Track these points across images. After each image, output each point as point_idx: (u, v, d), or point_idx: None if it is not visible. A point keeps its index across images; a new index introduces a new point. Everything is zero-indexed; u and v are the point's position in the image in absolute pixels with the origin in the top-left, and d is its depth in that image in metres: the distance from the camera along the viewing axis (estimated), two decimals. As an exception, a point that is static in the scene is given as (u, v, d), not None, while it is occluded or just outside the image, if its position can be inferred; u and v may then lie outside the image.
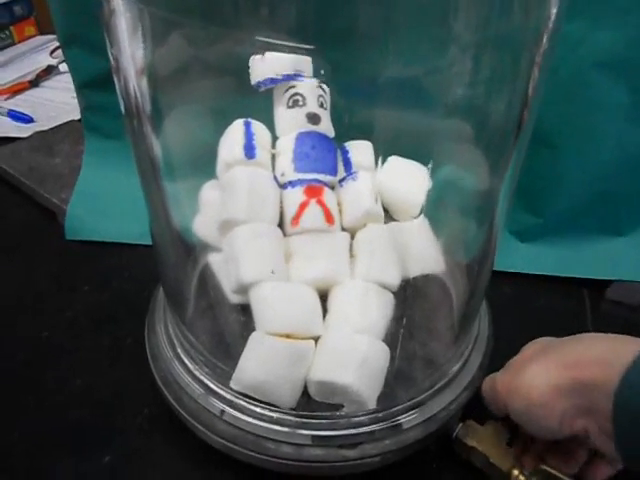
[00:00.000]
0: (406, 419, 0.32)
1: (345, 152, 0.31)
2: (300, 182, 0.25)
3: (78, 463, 0.37)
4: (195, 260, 0.37)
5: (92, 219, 0.55)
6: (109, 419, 0.39)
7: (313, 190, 0.24)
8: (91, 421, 0.39)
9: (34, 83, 0.85)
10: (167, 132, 0.30)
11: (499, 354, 0.39)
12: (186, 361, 0.35)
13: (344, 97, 0.35)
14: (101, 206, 0.55)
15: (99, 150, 0.57)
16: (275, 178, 0.25)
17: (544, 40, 0.27)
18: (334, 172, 0.26)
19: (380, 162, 0.32)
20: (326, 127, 0.28)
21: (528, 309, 0.50)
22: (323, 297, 0.29)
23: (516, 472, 0.33)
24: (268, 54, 0.28)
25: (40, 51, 0.94)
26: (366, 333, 0.27)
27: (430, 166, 0.31)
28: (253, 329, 0.31)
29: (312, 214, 0.24)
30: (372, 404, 0.28)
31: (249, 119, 0.29)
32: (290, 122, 0.28)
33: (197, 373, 0.34)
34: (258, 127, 0.28)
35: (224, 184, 0.27)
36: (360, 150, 0.31)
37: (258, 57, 0.27)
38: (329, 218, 0.25)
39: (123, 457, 0.37)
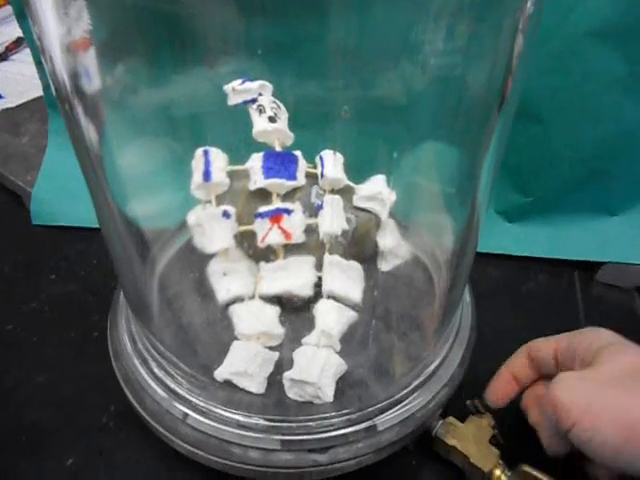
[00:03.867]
0: (381, 420, 0.31)
1: (323, 165, 0.36)
2: (267, 213, 0.33)
3: (39, 466, 0.35)
4: (153, 262, 0.35)
5: (59, 202, 0.53)
6: (73, 418, 0.37)
7: (275, 218, 0.32)
8: (54, 420, 0.37)
9: (3, 56, 0.81)
10: (108, 114, 0.27)
11: (483, 343, 0.37)
12: (149, 360, 0.33)
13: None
14: (68, 188, 0.52)
15: (64, 129, 0.53)
16: (225, 212, 0.33)
17: (528, 4, 0.24)
18: (294, 178, 0.34)
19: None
20: (282, 126, 0.35)
21: (515, 293, 0.48)
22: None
23: (498, 472, 0.32)
24: (238, 86, 0.34)
25: (9, 22, 0.89)
26: (326, 346, 0.32)
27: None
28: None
29: (274, 235, 0.32)
30: (329, 398, 0.31)
31: (207, 147, 0.34)
32: (260, 122, 0.34)
33: (160, 374, 0.32)
34: (215, 154, 0.34)
35: (195, 222, 0.34)
36: (328, 160, 0.36)
37: (230, 88, 0.34)
38: (287, 236, 0.32)
39: (87, 459, 0.35)
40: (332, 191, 0.35)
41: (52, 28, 0.23)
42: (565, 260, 0.49)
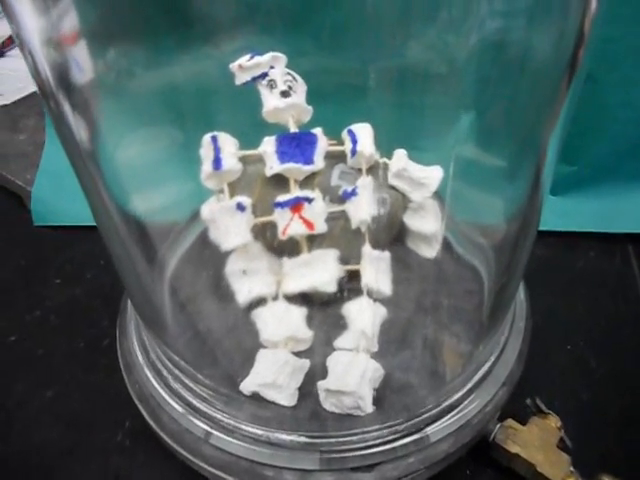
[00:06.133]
0: (433, 430, 0.26)
1: (354, 141, 0.32)
2: (286, 203, 0.30)
3: (51, 493, 0.32)
4: (162, 262, 0.31)
5: (61, 200, 0.49)
6: (85, 436, 0.34)
7: (296, 208, 0.29)
8: (64, 440, 0.34)
9: (-1, 53, 0.77)
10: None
11: (536, 332, 0.33)
12: (164, 373, 0.29)
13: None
14: (70, 185, 0.47)
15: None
16: (239, 204, 0.29)
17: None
18: (311, 162, 0.30)
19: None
20: (299, 100, 0.32)
21: (565, 273, 0.43)
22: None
23: (571, 482, 0.28)
24: (245, 63, 0.30)
25: (2, 17, 0.85)
26: (364, 350, 0.28)
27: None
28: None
29: (295, 226, 0.29)
30: (370, 408, 0.27)
31: (215, 133, 0.31)
32: (270, 99, 0.31)
33: (177, 388, 0.28)
34: (224, 138, 0.31)
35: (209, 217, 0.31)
36: (362, 134, 0.32)
37: (236, 66, 0.31)
38: (309, 226, 0.29)
39: (102, 483, 0.32)
40: (367, 170, 0.31)
41: (29, 21, 0.20)
42: (616, 234, 0.44)
